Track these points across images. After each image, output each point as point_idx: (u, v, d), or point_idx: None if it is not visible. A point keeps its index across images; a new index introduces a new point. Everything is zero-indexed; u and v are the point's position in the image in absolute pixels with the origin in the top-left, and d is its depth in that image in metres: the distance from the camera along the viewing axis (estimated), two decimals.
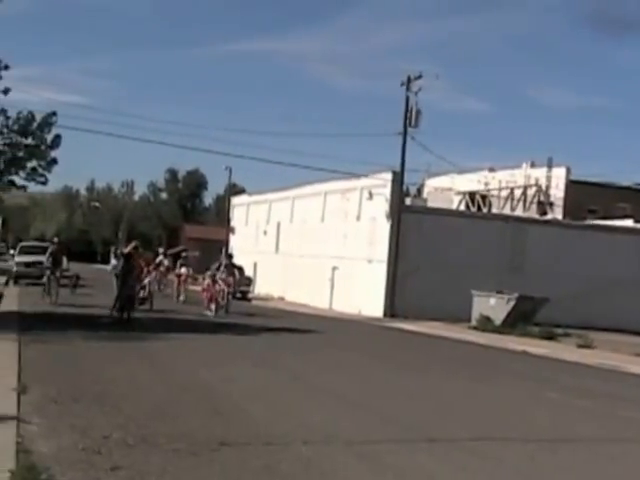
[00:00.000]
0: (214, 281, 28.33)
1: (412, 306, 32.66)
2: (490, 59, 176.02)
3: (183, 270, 34.55)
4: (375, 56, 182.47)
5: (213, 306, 27.26)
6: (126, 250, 23.78)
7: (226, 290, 28.28)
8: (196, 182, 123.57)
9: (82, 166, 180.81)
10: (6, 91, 21.34)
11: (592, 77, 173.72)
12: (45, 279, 27.44)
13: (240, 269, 36.82)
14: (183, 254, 36.90)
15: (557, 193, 48.97)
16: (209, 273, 29.16)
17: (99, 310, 22.52)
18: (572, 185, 48.99)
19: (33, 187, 24.50)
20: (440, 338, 25.28)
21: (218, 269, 28.81)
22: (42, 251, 41.57)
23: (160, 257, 38.14)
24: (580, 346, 23.45)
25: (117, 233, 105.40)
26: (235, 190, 74.55)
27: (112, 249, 43.61)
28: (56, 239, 29.81)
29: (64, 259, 27.89)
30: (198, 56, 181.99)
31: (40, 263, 38.77)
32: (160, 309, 26.33)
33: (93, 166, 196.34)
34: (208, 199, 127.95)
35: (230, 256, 30.77)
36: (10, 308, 23.11)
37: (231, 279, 29.07)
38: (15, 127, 21.85)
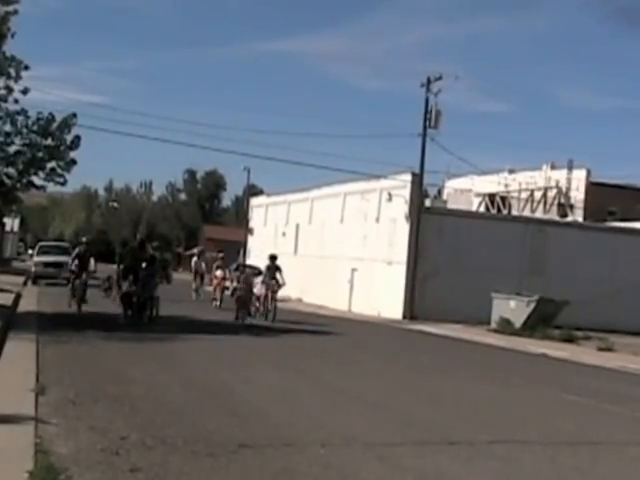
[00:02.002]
0: (247, 284, 25.84)
1: (432, 308, 32.61)
2: (512, 60, 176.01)
3: (219, 273, 31.72)
4: (397, 56, 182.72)
5: (241, 312, 24.67)
6: (136, 249, 23.56)
7: (270, 296, 26.00)
8: (215, 183, 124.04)
9: (101, 166, 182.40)
10: (25, 91, 21.53)
11: (613, 77, 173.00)
12: (70, 284, 24.93)
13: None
14: (220, 255, 33.81)
15: (577, 195, 48.79)
16: (242, 277, 26.49)
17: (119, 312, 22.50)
18: (592, 187, 48.77)
19: (52, 187, 24.55)
20: (460, 340, 25.21)
21: (237, 270, 27.47)
22: (61, 251, 41.79)
23: (195, 258, 36.79)
24: (600, 349, 23.35)
25: (136, 234, 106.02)
26: (254, 191, 74.72)
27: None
28: (84, 239, 27.44)
29: (91, 261, 24.92)
30: (219, 56, 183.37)
31: (59, 264, 38.83)
32: (182, 314, 25.53)
33: (111, 166, 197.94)
34: (227, 200, 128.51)
35: (274, 257, 27.35)
36: (29, 308, 23.25)
37: (274, 282, 26.42)
38: (35, 128, 22.00)
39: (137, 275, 21.73)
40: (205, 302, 31.73)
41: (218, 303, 30.46)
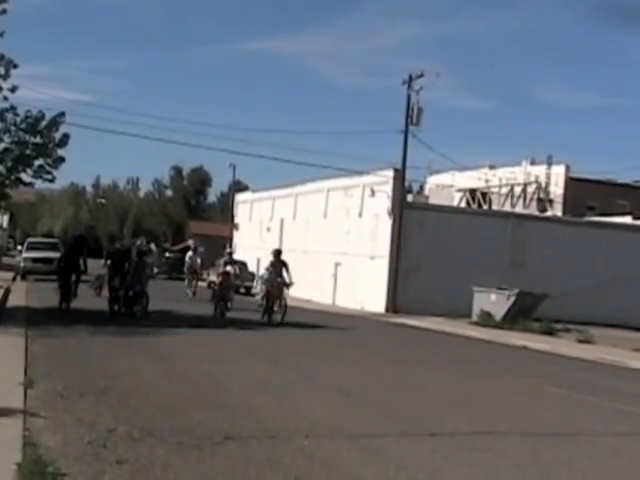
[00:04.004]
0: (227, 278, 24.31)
1: (414, 302, 32.81)
2: (493, 57, 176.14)
3: (229, 268, 27.38)
4: (379, 54, 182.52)
5: (219, 307, 23.42)
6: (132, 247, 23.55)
7: (279, 295, 23.57)
8: (200, 179, 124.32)
9: (88, 163, 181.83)
10: (14, 89, 21.65)
11: (592, 75, 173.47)
12: (58, 283, 22.73)
13: (244, 264, 34.99)
14: (228, 249, 30.30)
15: (557, 190, 49.17)
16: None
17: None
18: (571, 182, 49.21)
19: (40, 184, 24.65)
20: (442, 333, 25.40)
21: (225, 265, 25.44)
22: (49, 247, 42.05)
23: (190, 253, 34.60)
24: (580, 341, 23.60)
25: (123, 229, 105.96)
26: (239, 187, 74.77)
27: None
28: (77, 233, 25.49)
29: (81, 260, 22.17)
30: (204, 55, 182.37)
31: (48, 259, 38.76)
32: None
33: (99, 163, 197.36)
34: (212, 196, 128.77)
35: (279, 252, 24.62)
36: (18, 303, 23.26)
37: (280, 280, 23.84)
38: (23, 125, 22.11)
39: (125, 273, 21.81)
40: (202, 301, 29.33)
41: (228, 304, 27.80)
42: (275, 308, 23.48)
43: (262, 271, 26.15)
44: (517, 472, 7.48)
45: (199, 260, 33.97)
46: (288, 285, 23.87)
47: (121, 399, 9.43)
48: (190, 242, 35.77)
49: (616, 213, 43.70)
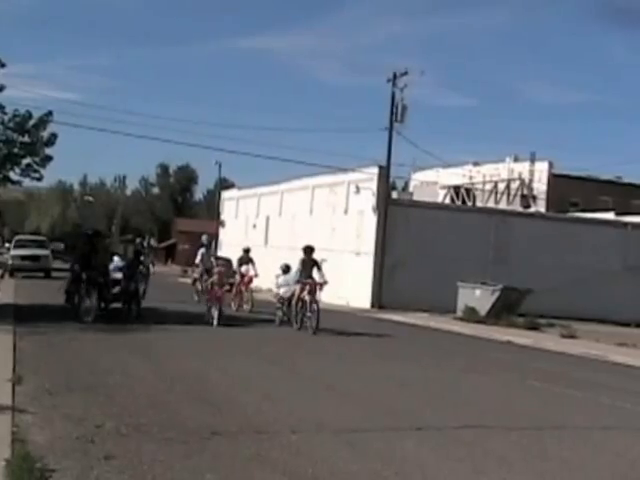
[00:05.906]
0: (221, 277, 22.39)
1: (399, 297, 32.88)
2: (477, 55, 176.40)
3: (244, 269, 26.80)
4: (364, 52, 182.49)
5: (214, 309, 21.05)
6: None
7: (309, 299, 20.63)
8: (187, 177, 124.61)
9: (75, 161, 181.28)
10: (1, 88, 21.70)
11: (576, 72, 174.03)
12: (70, 286, 20.81)
13: (228, 261, 33.34)
14: (244, 247, 28.19)
15: (540, 186, 49.49)
16: (219, 269, 23.09)
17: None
18: (554, 179, 49.53)
19: (28, 182, 24.68)
20: (427, 329, 25.47)
21: (241, 264, 24.84)
22: (37, 245, 42.29)
23: (202, 250, 29.95)
24: (564, 336, 23.71)
25: (110, 227, 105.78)
26: (225, 184, 74.86)
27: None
28: (89, 231, 22.74)
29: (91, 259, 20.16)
30: (190, 53, 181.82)
31: (36, 257, 38.85)
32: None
33: (86, 161, 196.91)
34: (198, 193, 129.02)
35: (311, 249, 21.69)
36: (6, 300, 23.19)
37: (311, 281, 21.05)
38: (11, 124, 22.13)
39: (107, 270, 21.62)
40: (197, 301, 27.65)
41: (245, 307, 26.29)
42: (307, 314, 20.66)
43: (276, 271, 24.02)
44: (502, 466, 7.54)
45: (213, 259, 29.17)
46: (322, 285, 21.21)
47: (109, 395, 9.47)
48: (204, 238, 30.78)
49: (599, 209, 44.03)
